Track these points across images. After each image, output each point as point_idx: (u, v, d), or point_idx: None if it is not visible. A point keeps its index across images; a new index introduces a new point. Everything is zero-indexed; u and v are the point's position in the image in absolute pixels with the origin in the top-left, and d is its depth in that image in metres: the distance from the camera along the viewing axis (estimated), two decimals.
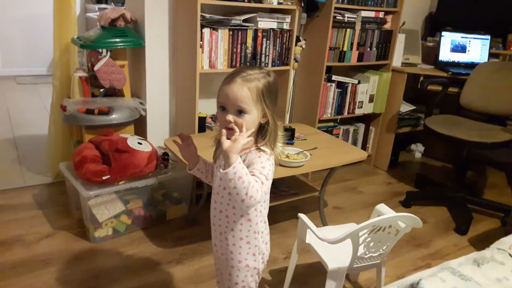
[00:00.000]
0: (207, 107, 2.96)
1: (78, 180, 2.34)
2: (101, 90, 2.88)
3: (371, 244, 1.65)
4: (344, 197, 3.18)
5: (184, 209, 2.72)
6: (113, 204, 2.39)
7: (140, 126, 2.89)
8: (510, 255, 1.76)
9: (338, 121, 3.56)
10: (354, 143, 3.69)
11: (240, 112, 1.17)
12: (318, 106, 3.23)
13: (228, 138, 1.12)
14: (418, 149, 4.14)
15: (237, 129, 1.15)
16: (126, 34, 2.66)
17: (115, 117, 2.63)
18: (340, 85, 3.37)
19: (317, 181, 3.13)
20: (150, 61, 2.75)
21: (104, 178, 2.26)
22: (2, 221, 2.49)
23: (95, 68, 2.62)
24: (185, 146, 1.36)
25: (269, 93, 1.21)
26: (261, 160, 1.20)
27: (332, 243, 1.61)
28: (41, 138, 3.55)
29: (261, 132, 1.25)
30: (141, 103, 2.79)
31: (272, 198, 2.58)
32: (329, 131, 3.37)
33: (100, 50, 2.81)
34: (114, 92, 2.86)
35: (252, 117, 1.19)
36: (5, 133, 3.87)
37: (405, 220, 1.66)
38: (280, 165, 2.21)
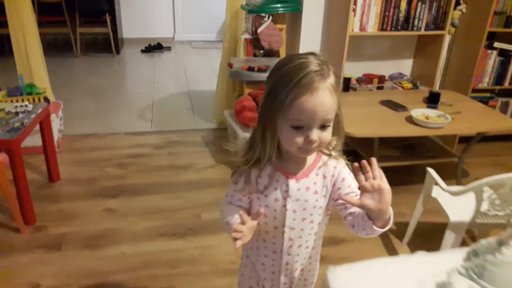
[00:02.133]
0: (352, 69, 3.13)
1: (237, 124, 2.80)
2: (261, 51, 3.29)
3: (496, 201, 1.69)
4: (489, 171, 3.03)
5: None
6: None
7: None
8: None
9: (496, 92, 3.35)
10: None
11: (324, 126, 0.89)
12: (474, 74, 3.11)
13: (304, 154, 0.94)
14: None
15: (316, 146, 0.91)
16: (287, 0, 2.97)
17: None
18: (503, 53, 3.17)
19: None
20: (306, 24, 3.03)
21: None
22: (179, 152, 3.14)
23: (259, 30, 3.01)
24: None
25: (339, 81, 0.93)
26: (349, 171, 1.01)
27: (454, 194, 1.70)
28: (209, 92, 4.19)
29: None
30: None
31: (409, 158, 2.67)
32: (484, 102, 3.22)
33: (263, 15, 3.20)
34: (272, 53, 3.24)
35: (332, 124, 0.92)
36: (182, 87, 4.65)
37: None
38: (417, 124, 2.30)
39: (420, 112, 2.40)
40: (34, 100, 2.96)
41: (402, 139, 2.80)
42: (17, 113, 2.36)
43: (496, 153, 3.33)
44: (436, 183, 1.89)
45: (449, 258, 1.41)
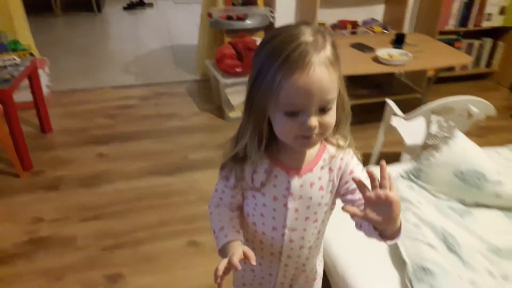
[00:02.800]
0: (328, 15, 3.29)
1: (219, 72, 2.98)
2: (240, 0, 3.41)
3: (444, 124, 1.92)
4: None
5: None
6: (243, 93, 2.99)
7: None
8: None
9: (462, 34, 3.54)
10: (478, 58, 3.65)
11: (325, 109, 0.75)
12: (439, 17, 3.28)
13: (304, 147, 0.83)
14: None
15: (318, 135, 0.78)
16: None
17: (249, 23, 3.15)
18: None
19: (431, 92, 3.28)
20: None
21: (237, 70, 2.85)
22: (165, 102, 3.32)
23: None
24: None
25: (337, 52, 0.77)
26: (357, 162, 0.89)
27: (407, 119, 1.93)
28: (192, 46, 4.29)
29: None
30: (270, 11, 3.25)
31: (376, 95, 2.88)
32: (450, 43, 3.40)
33: None
34: (250, 1, 3.37)
35: (335, 105, 0.78)
36: (166, 42, 4.76)
37: (477, 105, 1.88)
38: (382, 63, 2.50)
39: (385, 52, 2.60)
40: (19, 56, 3.08)
41: (372, 79, 3.01)
42: (5, 67, 2.50)
43: (463, 92, 3.55)
44: (395, 114, 2.11)
45: (396, 169, 1.65)
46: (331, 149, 0.88)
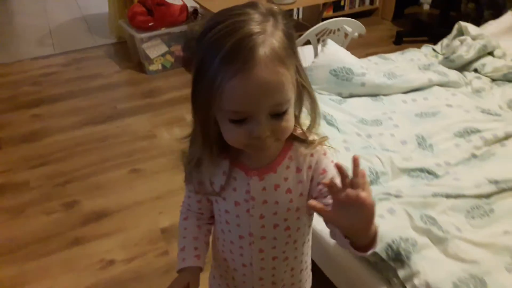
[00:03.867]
0: None
1: (133, 29, 3.23)
2: None
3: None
4: None
5: None
6: (159, 46, 3.28)
7: None
8: (433, 49, 2.43)
9: None
10: None
11: (277, 114, 0.66)
12: None
13: (254, 151, 0.73)
14: (426, 1, 4.54)
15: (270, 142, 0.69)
16: None
17: None
18: None
19: None
20: None
21: (150, 24, 3.13)
22: (86, 66, 3.51)
23: None
24: None
25: (293, 41, 0.69)
26: (332, 159, 0.79)
27: (298, 44, 2.37)
28: (102, 14, 4.43)
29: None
30: None
31: None
32: None
33: None
34: None
35: (292, 107, 0.69)
36: (76, 14, 4.81)
37: (350, 25, 2.36)
38: (273, 2, 2.92)
39: None
40: None
41: None
42: None
43: None
44: None
45: None
46: (298, 145, 0.77)
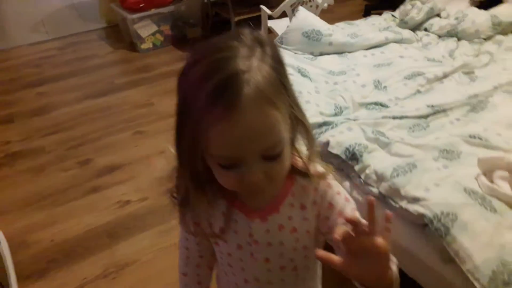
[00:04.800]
0: None
1: (125, 11, 3.52)
2: None
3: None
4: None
5: (199, 32, 3.87)
6: (150, 26, 3.58)
7: None
8: (392, 15, 2.79)
9: None
10: None
11: (270, 156, 0.60)
12: None
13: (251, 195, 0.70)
14: None
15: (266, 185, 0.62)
16: None
17: None
18: None
19: None
20: None
21: (141, 5, 3.43)
22: (81, 48, 3.81)
23: None
24: None
25: (283, 73, 0.63)
26: (338, 190, 0.74)
27: (275, 15, 2.70)
28: (92, 0, 4.69)
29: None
30: None
31: (253, 10, 3.64)
32: None
33: None
34: None
35: (288, 145, 0.63)
36: (65, 2, 5.04)
37: None
38: None
39: None
40: None
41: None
42: None
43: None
44: (270, 16, 2.87)
45: None
46: (300, 180, 0.72)
